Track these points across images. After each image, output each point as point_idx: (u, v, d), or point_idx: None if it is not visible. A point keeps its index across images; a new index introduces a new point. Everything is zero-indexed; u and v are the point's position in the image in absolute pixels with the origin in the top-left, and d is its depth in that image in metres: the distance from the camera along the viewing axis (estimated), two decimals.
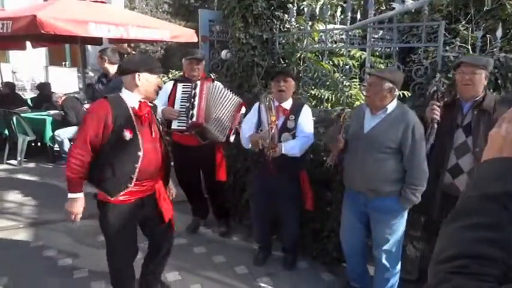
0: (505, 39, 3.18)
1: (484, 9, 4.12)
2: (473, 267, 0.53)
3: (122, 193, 2.15)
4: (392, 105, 2.32)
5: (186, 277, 2.88)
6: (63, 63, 12.32)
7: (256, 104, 2.94)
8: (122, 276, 2.34)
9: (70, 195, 2.21)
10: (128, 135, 2.11)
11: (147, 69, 2.20)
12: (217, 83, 3.34)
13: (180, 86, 3.26)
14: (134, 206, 2.23)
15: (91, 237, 3.47)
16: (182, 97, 3.22)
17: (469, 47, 3.18)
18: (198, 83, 3.22)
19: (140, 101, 2.22)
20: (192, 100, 3.18)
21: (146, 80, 2.20)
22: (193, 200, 3.67)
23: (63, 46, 11.75)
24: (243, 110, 3.31)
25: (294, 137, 2.77)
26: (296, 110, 2.83)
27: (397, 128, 2.25)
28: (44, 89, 7.24)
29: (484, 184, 0.60)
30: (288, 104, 2.85)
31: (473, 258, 0.54)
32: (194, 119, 3.14)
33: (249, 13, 3.60)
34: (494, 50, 3.08)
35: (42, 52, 11.71)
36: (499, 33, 2.94)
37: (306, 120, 2.83)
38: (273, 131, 2.59)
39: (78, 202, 2.22)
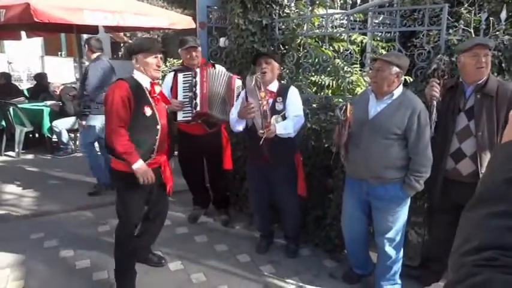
0: (508, 22, 3.12)
1: None
2: (503, 259, 0.49)
3: (146, 163, 2.40)
4: (398, 91, 2.28)
5: (188, 266, 2.87)
6: (59, 53, 12.17)
7: (243, 92, 2.88)
8: (129, 241, 2.53)
9: (134, 166, 2.34)
10: (148, 110, 2.39)
11: (142, 51, 2.39)
12: (218, 67, 3.28)
13: (180, 76, 3.21)
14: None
15: (91, 228, 3.46)
16: (184, 87, 3.17)
17: (472, 30, 3.12)
18: (198, 70, 3.17)
19: (151, 82, 2.45)
20: (194, 89, 3.13)
21: (143, 62, 2.40)
22: (195, 190, 3.64)
23: (58, 36, 11.60)
24: (238, 82, 3.26)
25: (284, 118, 2.72)
26: (283, 92, 2.78)
27: (403, 114, 2.21)
28: (41, 79, 7.16)
29: (508, 167, 0.56)
30: (274, 87, 2.80)
31: (502, 249, 0.49)
32: (198, 108, 3.10)
33: None
34: (497, 32, 3.03)
35: (37, 42, 11.55)
36: (503, 15, 2.88)
37: (295, 100, 2.78)
38: (264, 107, 2.50)
39: (143, 168, 2.37)
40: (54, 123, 5.64)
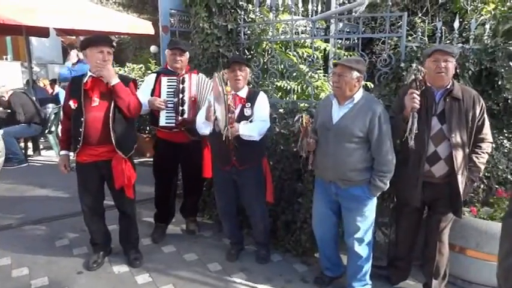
0: (457, 31, 3.33)
1: (439, 2, 4.31)
2: None
3: (76, 152, 2.64)
4: (358, 95, 2.36)
5: (156, 278, 2.75)
6: (4, 56, 11.37)
7: (210, 97, 2.81)
8: (86, 214, 2.84)
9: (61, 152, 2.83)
10: (72, 104, 2.57)
11: (89, 45, 2.52)
12: (202, 75, 3.19)
13: (164, 79, 3.06)
14: (91, 166, 2.67)
15: (47, 242, 3.22)
16: (168, 91, 3.04)
17: (426, 38, 3.30)
18: (186, 76, 3.07)
19: (92, 76, 2.58)
20: (181, 95, 3.02)
21: (88, 56, 2.55)
22: (164, 202, 3.36)
23: (4, 38, 10.87)
24: None
25: None
26: (252, 97, 2.79)
27: (364, 117, 2.28)
28: None
29: None
30: (243, 93, 2.79)
31: None
32: (186, 115, 3.00)
33: (213, 2, 3.49)
34: (448, 41, 3.22)
35: None
36: (456, 24, 3.07)
37: (262, 106, 2.79)
38: (229, 102, 2.48)
39: (60, 158, 2.81)
40: (1, 131, 5.23)
